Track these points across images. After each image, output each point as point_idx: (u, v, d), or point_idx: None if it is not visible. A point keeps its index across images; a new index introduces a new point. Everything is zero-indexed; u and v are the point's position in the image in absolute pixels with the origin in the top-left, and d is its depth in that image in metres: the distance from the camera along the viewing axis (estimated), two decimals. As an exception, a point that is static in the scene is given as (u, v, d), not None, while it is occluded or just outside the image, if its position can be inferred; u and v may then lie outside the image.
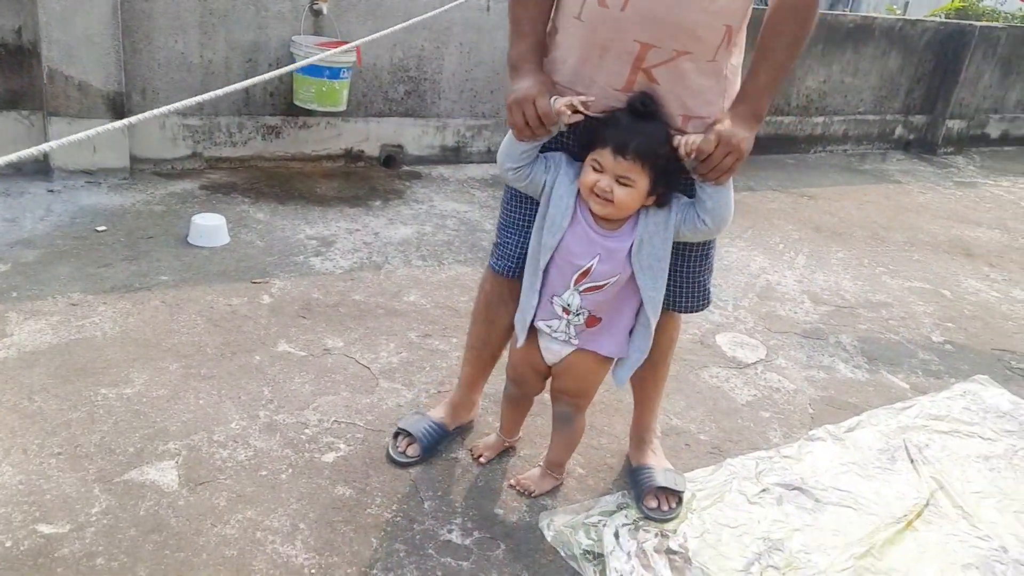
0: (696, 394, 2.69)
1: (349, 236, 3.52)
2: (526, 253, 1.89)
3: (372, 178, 4.27)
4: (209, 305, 2.81)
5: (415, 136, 4.53)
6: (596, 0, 1.66)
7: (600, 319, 1.84)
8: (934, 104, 6.44)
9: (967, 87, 6.36)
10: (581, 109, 1.66)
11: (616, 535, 2.00)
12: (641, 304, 1.84)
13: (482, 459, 2.19)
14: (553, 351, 1.93)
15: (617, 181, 1.67)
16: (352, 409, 2.35)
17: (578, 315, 1.83)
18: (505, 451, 2.24)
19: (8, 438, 2.05)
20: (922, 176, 5.89)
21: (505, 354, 2.15)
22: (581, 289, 1.79)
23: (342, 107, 4.06)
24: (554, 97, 1.69)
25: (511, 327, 2.00)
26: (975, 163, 6.47)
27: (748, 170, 5.39)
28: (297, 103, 4.02)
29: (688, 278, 1.92)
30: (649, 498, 2.08)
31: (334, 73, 3.89)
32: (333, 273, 3.17)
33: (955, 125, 6.51)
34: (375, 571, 1.81)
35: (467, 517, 2.01)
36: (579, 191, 1.75)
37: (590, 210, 1.75)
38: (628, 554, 1.95)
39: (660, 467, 2.16)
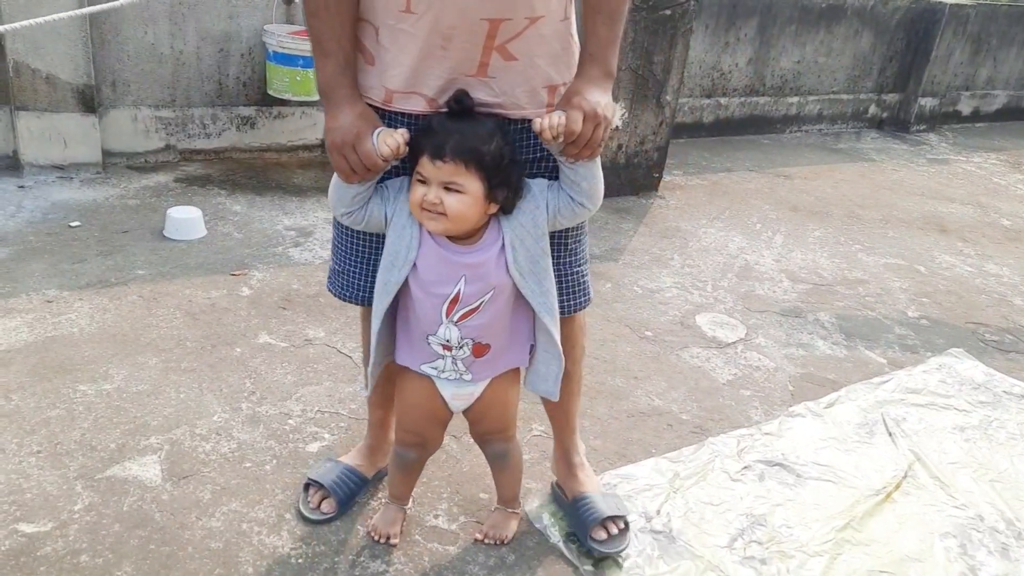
0: (677, 374, 2.71)
1: (327, 226, 3.50)
2: (372, 280, 1.67)
3: (348, 167, 4.24)
4: (188, 298, 2.79)
5: (391, 124, 4.50)
6: None
7: (488, 345, 1.62)
8: (906, 82, 6.49)
9: (938, 65, 6.42)
10: (408, 139, 1.49)
11: (601, 516, 2.02)
12: (535, 314, 1.63)
13: (394, 541, 1.86)
14: (462, 396, 1.69)
15: (445, 189, 1.46)
16: (335, 398, 2.35)
17: (461, 347, 1.60)
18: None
19: (-14, 437, 2.03)
20: (896, 154, 5.94)
21: None
22: (455, 319, 1.57)
23: (316, 96, 4.02)
24: (377, 132, 1.47)
25: None
26: (947, 140, 6.53)
27: (724, 150, 5.42)
28: (271, 93, 3.99)
29: (569, 275, 1.72)
30: (597, 530, 1.89)
31: (308, 62, 3.85)
32: (313, 263, 3.15)
33: (927, 103, 6.57)
34: (362, 559, 1.82)
35: (452, 503, 2.02)
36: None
37: None
38: (613, 534, 1.96)
39: (598, 493, 1.97)
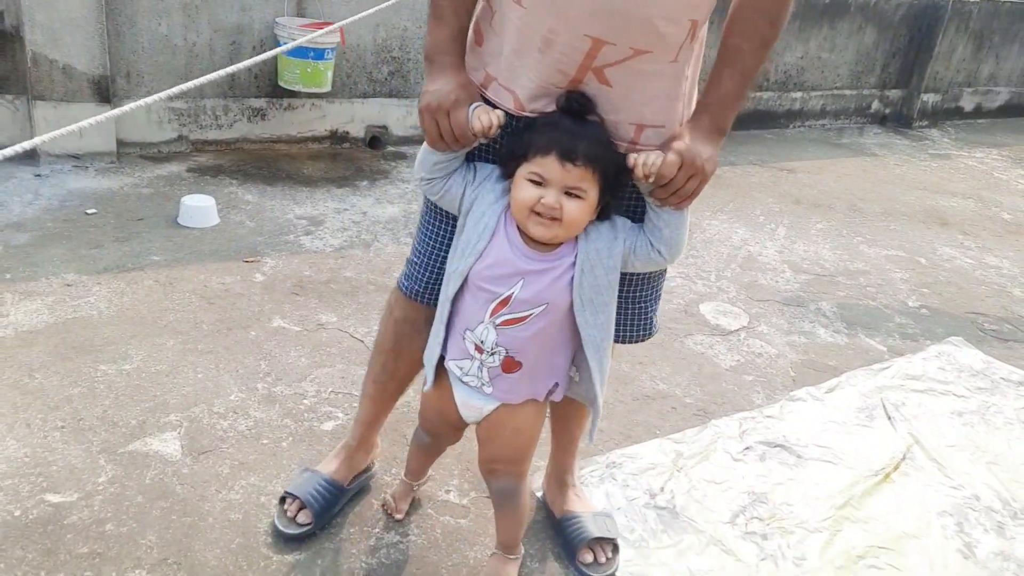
0: (681, 360, 2.77)
1: (337, 215, 3.56)
2: (438, 277, 1.63)
3: (358, 159, 4.30)
4: (203, 284, 2.85)
5: (399, 117, 4.56)
6: None
7: (520, 364, 1.52)
8: (909, 78, 6.54)
9: (941, 61, 6.47)
10: (499, 126, 1.45)
11: (607, 495, 2.08)
12: (581, 348, 1.54)
13: (398, 515, 1.91)
14: (472, 407, 1.60)
15: (566, 194, 1.40)
16: (348, 380, 2.41)
17: (492, 355, 1.51)
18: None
19: (11, 413, 2.10)
20: (898, 149, 5.99)
21: (411, 394, 1.93)
22: (498, 322, 1.48)
23: (327, 88, 4.08)
24: (474, 106, 1.44)
25: (419, 360, 1.68)
26: (949, 136, 6.58)
27: (729, 145, 5.43)
28: (282, 84, 4.05)
29: (632, 307, 1.67)
30: (584, 552, 1.85)
31: (318, 54, 3.91)
32: (323, 251, 3.22)
33: (930, 99, 6.61)
34: (376, 530, 1.88)
35: (463, 479, 2.08)
36: (506, 211, 1.49)
37: (517, 228, 1.47)
38: (618, 509, 2.02)
39: (588, 513, 1.93)
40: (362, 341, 2.62)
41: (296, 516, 1.83)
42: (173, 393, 2.26)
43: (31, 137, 3.63)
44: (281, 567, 1.75)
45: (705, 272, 3.47)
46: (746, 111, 5.80)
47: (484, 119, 1.42)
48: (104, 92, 3.66)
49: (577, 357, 1.58)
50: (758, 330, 3.04)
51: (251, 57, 4.01)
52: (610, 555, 1.86)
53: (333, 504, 1.88)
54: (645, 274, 1.62)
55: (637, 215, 1.53)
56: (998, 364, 2.95)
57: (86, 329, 2.50)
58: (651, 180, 1.41)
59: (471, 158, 1.55)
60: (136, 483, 1.93)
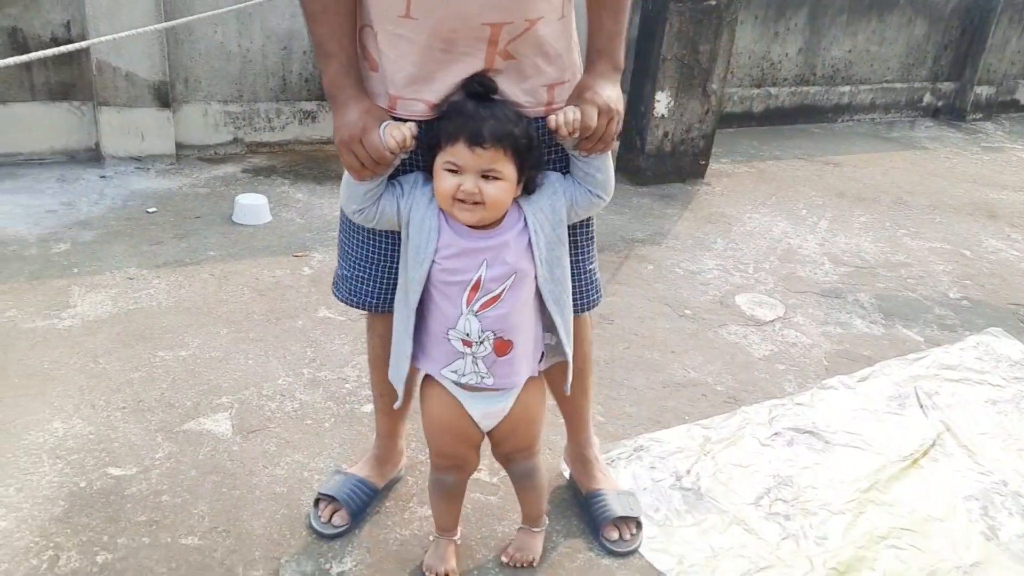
0: (713, 350, 2.82)
1: (383, 212, 3.69)
2: (382, 286, 1.69)
3: (404, 158, 4.43)
4: (255, 277, 3.00)
5: (444, 116, 4.67)
6: None
7: (511, 342, 1.54)
8: (962, 71, 6.42)
9: (994, 53, 6.34)
10: (412, 137, 1.46)
11: (634, 476, 2.15)
12: (545, 308, 1.58)
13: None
14: (491, 414, 1.62)
15: (483, 177, 1.42)
16: (388, 366, 2.52)
17: (482, 343, 1.52)
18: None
19: (78, 395, 2.27)
20: (950, 142, 5.90)
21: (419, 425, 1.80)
22: (476, 308, 1.50)
23: (373, 90, 4.22)
24: (384, 125, 1.45)
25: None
26: (1004, 129, 6.44)
27: (773, 139, 5.47)
28: (330, 87, 4.19)
29: (576, 273, 1.70)
30: (609, 530, 1.91)
31: (365, 57, 4.05)
32: (368, 246, 3.34)
33: (983, 91, 6.49)
34: (412, 505, 1.99)
35: (493, 460, 2.16)
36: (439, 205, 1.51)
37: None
38: (644, 490, 2.10)
39: (612, 491, 1.98)
40: (403, 330, 2.73)
41: (331, 519, 1.88)
42: (225, 377, 2.40)
43: (97, 140, 3.86)
44: (323, 537, 1.87)
45: (743, 264, 3.51)
46: (792, 105, 5.80)
47: (396, 135, 1.43)
48: (164, 97, 3.86)
49: (546, 320, 1.62)
50: (793, 321, 3.07)
51: (302, 61, 4.19)
52: (634, 532, 1.93)
53: (367, 504, 1.95)
54: (584, 235, 1.70)
55: (562, 168, 1.60)
56: (1038, 355, 2.94)
57: (146, 319, 2.67)
58: (575, 135, 1.47)
59: (394, 176, 1.55)
60: (190, 459, 2.07)
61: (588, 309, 1.78)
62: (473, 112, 1.43)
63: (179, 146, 4.04)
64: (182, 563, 1.76)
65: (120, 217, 3.39)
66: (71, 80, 3.80)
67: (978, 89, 6.43)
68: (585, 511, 2.00)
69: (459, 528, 1.85)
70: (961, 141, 5.95)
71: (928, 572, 1.92)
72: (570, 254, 1.62)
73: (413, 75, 1.49)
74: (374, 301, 1.72)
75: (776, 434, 2.37)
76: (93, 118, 3.85)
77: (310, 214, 3.60)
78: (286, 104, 4.29)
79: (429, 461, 1.76)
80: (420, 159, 1.54)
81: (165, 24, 3.30)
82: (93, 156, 3.92)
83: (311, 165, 4.20)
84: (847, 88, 6.01)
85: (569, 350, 1.64)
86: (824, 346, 2.91)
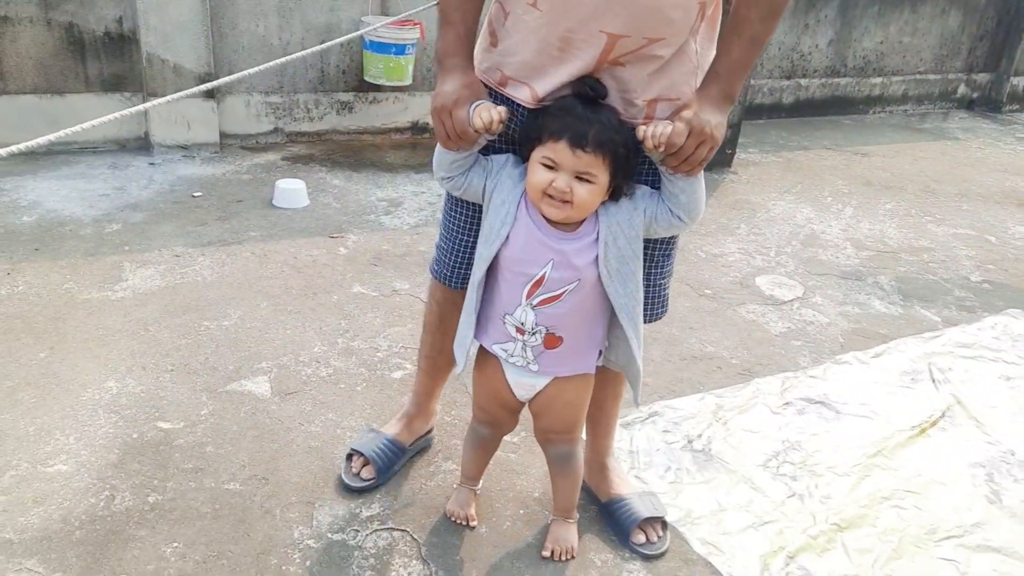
0: (731, 326, 2.91)
1: (415, 198, 3.84)
2: (464, 262, 1.75)
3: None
4: (293, 256, 3.17)
5: (477, 107, 4.81)
6: None
7: (561, 339, 1.61)
8: (998, 62, 6.40)
9: (1032, 43, 6.31)
10: (503, 123, 1.49)
11: (647, 438, 2.26)
12: (614, 316, 1.63)
13: (472, 522, 1.91)
14: (524, 385, 1.70)
15: (577, 178, 1.47)
16: (416, 337, 2.61)
17: (534, 334, 1.60)
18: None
19: (130, 358, 2.44)
20: (983, 133, 5.89)
21: (467, 383, 2.02)
22: (535, 303, 1.57)
23: (408, 82, 4.38)
24: (474, 105, 1.49)
25: None
26: (1041, 119, 6.41)
27: (802, 130, 5.52)
28: (367, 79, 4.36)
29: (652, 286, 1.73)
30: (636, 534, 1.90)
31: (400, 49, 4.21)
32: (401, 229, 3.50)
33: (1021, 82, 6.46)
34: (436, 460, 2.12)
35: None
36: (525, 196, 1.56)
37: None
38: (656, 451, 2.20)
39: (634, 494, 1.98)
40: (432, 305, 2.87)
41: (360, 472, 2.00)
42: (265, 345, 2.56)
43: (147, 130, 4.06)
44: (350, 489, 2.01)
45: (765, 248, 3.59)
46: (823, 96, 5.83)
47: (484, 115, 1.46)
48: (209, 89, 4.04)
49: (608, 325, 1.67)
50: (812, 301, 3.15)
51: (339, 54, 4.36)
52: (661, 533, 1.92)
53: (395, 462, 2.04)
54: (662, 251, 1.70)
55: (655, 183, 1.60)
56: (1056, 335, 2.98)
57: (192, 292, 2.84)
58: (661, 150, 1.46)
59: (487, 151, 1.60)
60: (232, 416, 2.23)
61: (650, 321, 1.78)
62: (581, 114, 1.46)
63: (223, 135, 4.23)
64: (225, 505, 1.91)
65: (168, 200, 3.58)
66: (122, 72, 4.01)
67: (1015, 80, 6.40)
68: (608, 517, 1.97)
69: (481, 480, 1.98)
70: (995, 132, 5.93)
71: (928, 530, 2.00)
72: (645, 267, 1.64)
73: (527, 62, 1.54)
74: (448, 274, 1.80)
75: (787, 404, 2.46)
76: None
77: (346, 199, 3.76)
78: (324, 95, 4.46)
79: (459, 417, 1.89)
80: (512, 144, 1.58)
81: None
82: (142, 144, 4.12)
83: (347, 154, 4.37)
84: (879, 80, 6.02)
85: (640, 361, 1.68)
86: (841, 325, 2.99)
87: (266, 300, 2.83)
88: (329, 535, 1.86)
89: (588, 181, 1.46)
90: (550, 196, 1.48)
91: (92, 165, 3.89)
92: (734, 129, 4.45)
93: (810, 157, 4.98)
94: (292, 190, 3.62)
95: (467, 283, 1.70)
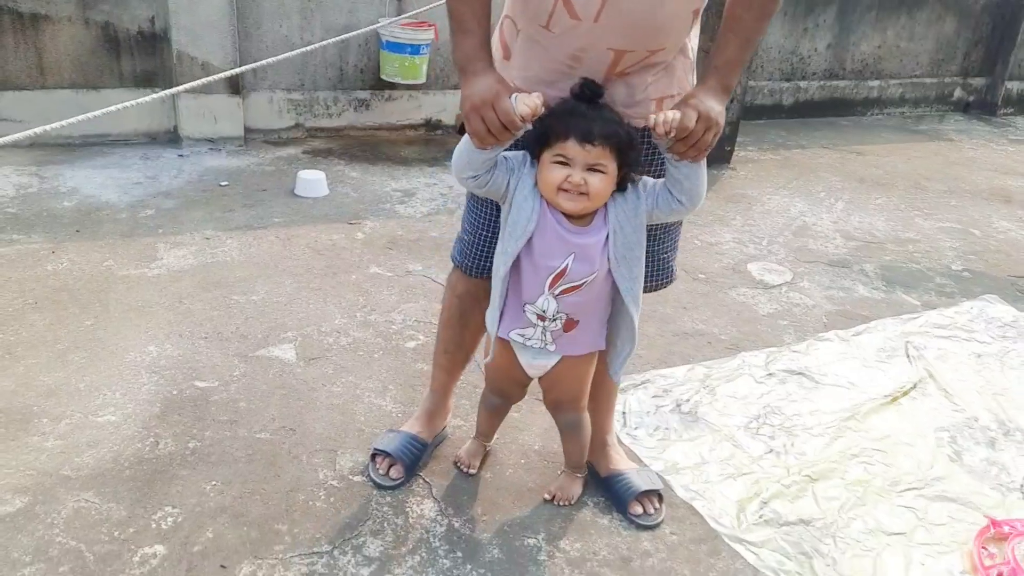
0: (722, 307, 3.12)
1: (428, 189, 4.07)
2: (487, 253, 1.86)
3: (448, 143, 4.80)
4: (314, 239, 3.40)
5: (487, 106, 5.04)
6: (566, 12, 1.58)
7: (578, 321, 1.75)
8: (993, 66, 6.59)
9: (1026, 48, 6.50)
10: (542, 105, 1.58)
11: (638, 401, 2.47)
12: (618, 294, 1.75)
13: (471, 470, 2.12)
14: (536, 366, 1.84)
15: (589, 170, 1.59)
16: (429, 312, 2.88)
17: (555, 320, 1.74)
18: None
19: (167, 327, 2.67)
20: (977, 135, 6.08)
21: (477, 358, 2.14)
22: (557, 292, 1.70)
23: (422, 80, 4.61)
24: (514, 95, 1.57)
25: (484, 325, 1.91)
26: (1036, 122, 6.59)
27: (801, 130, 5.72)
28: (384, 78, 4.60)
29: (656, 258, 1.87)
30: (634, 505, 2.01)
31: (415, 49, 4.44)
32: (414, 216, 3.72)
33: (1015, 86, 6.65)
34: (448, 417, 2.34)
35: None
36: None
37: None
38: (647, 414, 2.42)
39: (632, 469, 2.10)
40: (442, 284, 3.07)
41: (389, 471, 2.05)
42: (290, 317, 2.79)
43: (176, 124, 4.31)
44: (372, 437, 2.22)
45: (758, 238, 3.80)
46: (822, 98, 6.04)
47: (529, 102, 1.55)
48: (235, 85, 4.29)
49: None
50: (799, 285, 3.36)
51: (357, 54, 4.59)
52: (657, 505, 2.02)
53: (419, 458, 2.11)
54: (664, 227, 1.85)
55: (656, 174, 1.73)
56: (1028, 318, 3.18)
57: (222, 270, 3.07)
58: (671, 135, 1.55)
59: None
60: (261, 377, 2.45)
61: (655, 289, 1.93)
62: (584, 113, 1.59)
63: (247, 130, 4.47)
64: (256, 451, 2.14)
65: (197, 189, 3.82)
66: (154, 69, 4.25)
67: (1009, 84, 6.59)
68: (608, 491, 2.09)
69: (493, 437, 2.20)
70: (989, 134, 6.12)
71: (891, 482, 2.20)
72: (652, 240, 1.78)
73: (539, 76, 1.68)
74: (471, 264, 1.92)
75: (770, 374, 2.67)
76: (172, 104, 4.30)
77: (363, 189, 3.99)
78: (343, 93, 4.69)
79: (465, 381, 2.14)
80: (523, 141, 1.67)
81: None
82: (172, 138, 4.36)
83: (364, 148, 4.60)
84: (876, 82, 6.22)
85: (637, 339, 1.82)
86: (825, 307, 3.19)
87: (290, 278, 3.06)
88: (351, 477, 2.08)
89: (600, 171, 1.60)
90: (565, 191, 1.61)
91: (125, 156, 4.13)
92: (732, 127, 4.67)
93: (807, 155, 5.18)
94: (313, 180, 3.85)
95: (488, 272, 1.83)
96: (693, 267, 3.43)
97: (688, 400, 2.49)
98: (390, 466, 2.06)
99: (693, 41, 1.74)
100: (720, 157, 4.67)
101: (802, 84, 5.92)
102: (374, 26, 4.02)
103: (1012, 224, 4.24)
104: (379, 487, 2.05)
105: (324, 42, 3.23)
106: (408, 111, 4.88)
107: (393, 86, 4.71)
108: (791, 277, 3.42)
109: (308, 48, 3.01)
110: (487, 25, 1.67)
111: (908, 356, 2.84)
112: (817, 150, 5.32)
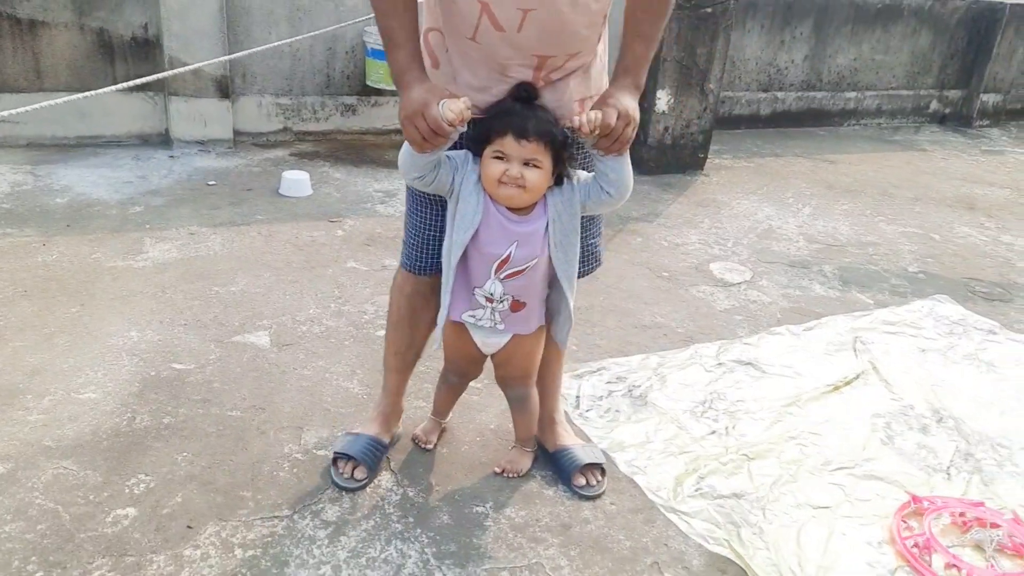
0: (681, 303, 3.27)
1: (409, 190, 4.22)
2: (433, 251, 1.99)
3: (433, 148, 4.96)
4: (295, 235, 3.55)
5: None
6: (491, 24, 1.69)
7: (525, 303, 1.91)
8: (968, 79, 6.75)
9: (1000, 62, 6.67)
10: (470, 109, 1.68)
11: (592, 387, 2.61)
12: (555, 277, 1.90)
13: (428, 445, 2.27)
14: (490, 344, 1.99)
15: (525, 164, 1.73)
16: (400, 304, 3.03)
17: (502, 302, 1.89)
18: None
19: (149, 314, 2.82)
20: (951, 146, 6.24)
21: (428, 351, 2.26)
22: (502, 277, 1.85)
23: (406, 86, 4.76)
24: (442, 102, 1.65)
25: (433, 323, 2.05)
26: (1010, 135, 6.75)
27: (777, 140, 5.88)
28: (370, 84, 4.76)
29: (585, 244, 2.00)
30: (577, 477, 2.15)
31: (398, 57, 4.59)
32: (393, 216, 3.88)
33: (990, 99, 6.81)
34: (408, 398, 2.48)
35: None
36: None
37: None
38: (599, 398, 2.56)
39: (577, 445, 2.23)
40: (416, 279, 3.24)
41: (353, 473, 2.11)
42: (267, 307, 2.94)
43: (167, 126, 4.47)
44: (337, 416, 2.37)
45: (724, 240, 3.95)
46: (799, 109, 6.20)
47: (454, 107, 1.65)
48: (225, 89, 4.45)
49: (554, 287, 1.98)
50: (758, 284, 3.50)
51: (344, 61, 4.76)
52: (600, 478, 2.17)
53: (380, 459, 2.18)
54: (589, 217, 1.99)
55: (589, 168, 1.90)
56: (974, 316, 3.32)
57: (204, 263, 3.22)
58: (596, 133, 1.71)
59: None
60: (236, 361, 2.60)
61: (586, 274, 2.07)
62: (520, 112, 1.74)
63: (236, 132, 4.63)
64: (227, 427, 2.28)
65: (185, 188, 3.98)
66: (146, 74, 4.40)
67: (984, 97, 6.76)
68: (554, 465, 2.23)
69: (449, 415, 2.35)
70: (962, 145, 6.29)
71: (824, 461, 2.34)
72: (582, 231, 1.93)
73: (471, 83, 1.80)
74: (420, 264, 2.03)
75: (720, 364, 2.81)
76: (164, 107, 4.46)
77: (346, 189, 4.15)
78: (329, 98, 4.86)
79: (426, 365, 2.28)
80: (465, 139, 1.80)
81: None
82: (163, 139, 4.53)
83: (350, 151, 4.76)
84: (853, 94, 6.39)
85: (572, 312, 1.98)
86: (781, 304, 3.34)
87: (269, 271, 3.21)
88: (315, 451, 2.22)
89: (535, 166, 1.74)
90: (504, 183, 1.74)
91: (117, 156, 4.29)
92: (705, 135, 4.83)
93: (780, 163, 5.34)
94: (297, 180, 4.01)
95: (436, 270, 1.97)
96: (658, 266, 3.58)
97: (640, 386, 2.64)
98: (354, 468, 2.12)
99: (602, 46, 1.90)
100: (694, 163, 4.83)
101: (779, 95, 6.09)
102: (357, 20, 4.17)
103: (972, 230, 4.39)
104: (344, 490, 2.09)
105: (305, 35, 3.38)
106: (393, 116, 5.04)
107: (379, 92, 4.87)
108: (751, 276, 3.57)
109: (290, 40, 3.16)
110: (416, 38, 1.77)
111: (855, 349, 2.98)
112: (791, 158, 5.48)
